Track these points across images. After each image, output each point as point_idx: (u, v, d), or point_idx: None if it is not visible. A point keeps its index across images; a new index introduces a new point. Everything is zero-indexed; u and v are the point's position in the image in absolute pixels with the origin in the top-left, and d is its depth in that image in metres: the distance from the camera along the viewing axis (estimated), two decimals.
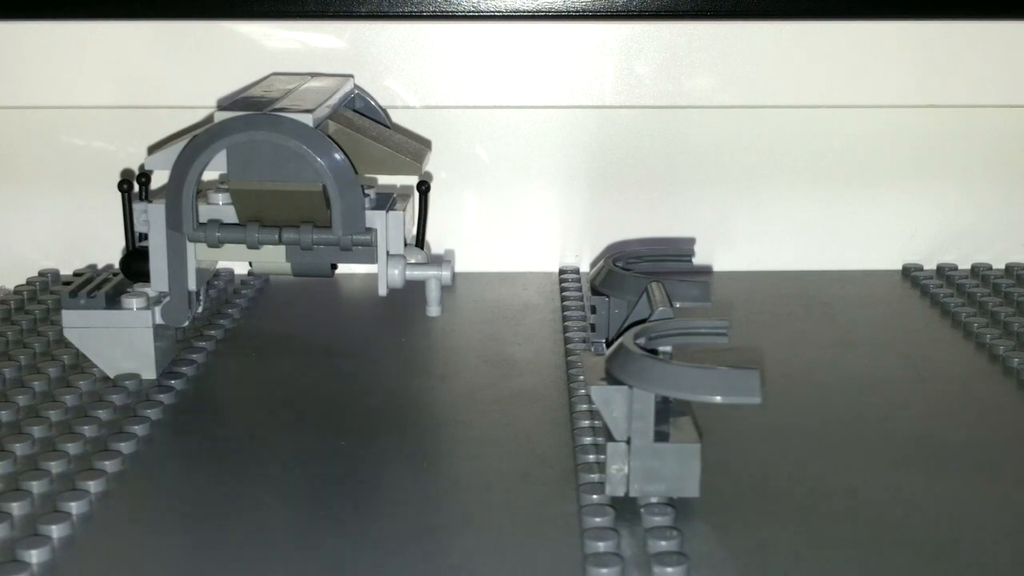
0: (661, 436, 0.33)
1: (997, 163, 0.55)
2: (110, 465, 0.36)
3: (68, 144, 0.54)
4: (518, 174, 0.55)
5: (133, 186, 0.43)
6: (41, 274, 0.52)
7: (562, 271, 0.54)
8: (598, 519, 0.32)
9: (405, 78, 0.53)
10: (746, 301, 0.51)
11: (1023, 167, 0.55)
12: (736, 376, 0.32)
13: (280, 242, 0.42)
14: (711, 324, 0.35)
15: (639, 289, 0.40)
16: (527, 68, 0.53)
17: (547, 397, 0.41)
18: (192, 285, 0.42)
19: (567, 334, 0.46)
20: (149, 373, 0.42)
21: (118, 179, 0.43)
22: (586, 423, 0.38)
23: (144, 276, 0.42)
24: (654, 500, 0.33)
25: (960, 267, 0.54)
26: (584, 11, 0.52)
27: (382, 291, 0.43)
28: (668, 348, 0.35)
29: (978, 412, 0.41)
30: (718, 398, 0.32)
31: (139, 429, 0.38)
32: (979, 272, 0.53)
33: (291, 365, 0.45)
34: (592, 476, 0.34)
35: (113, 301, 0.42)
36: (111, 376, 0.42)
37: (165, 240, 0.42)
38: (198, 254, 0.42)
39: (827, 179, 0.55)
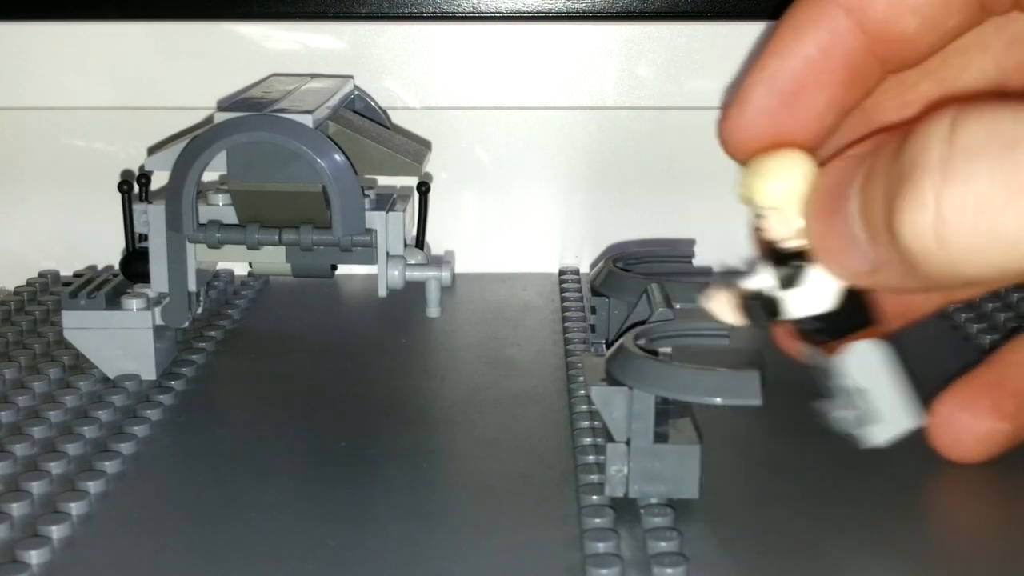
0: (661, 437, 0.33)
1: None
2: (110, 466, 0.36)
3: (68, 145, 0.54)
4: (518, 175, 0.55)
5: (133, 187, 0.43)
6: (41, 275, 0.52)
7: (562, 272, 0.54)
8: (598, 520, 0.32)
9: (405, 79, 0.53)
10: None
11: None
12: (736, 378, 0.32)
13: (280, 243, 0.42)
14: (713, 326, 0.35)
15: (639, 290, 0.39)
16: (527, 69, 0.53)
17: (547, 398, 0.41)
18: (192, 286, 0.42)
19: (567, 335, 0.46)
20: (149, 374, 0.42)
21: (118, 180, 0.43)
22: (586, 424, 0.38)
23: (144, 277, 0.42)
24: (654, 501, 0.33)
25: None
26: (584, 12, 0.52)
27: (382, 292, 0.43)
28: (668, 349, 0.35)
29: None
30: (718, 400, 0.32)
31: (139, 430, 0.38)
32: None
33: (291, 365, 0.45)
34: (592, 477, 0.34)
35: (113, 302, 0.42)
36: (111, 377, 0.42)
37: (165, 241, 0.42)
38: (198, 255, 0.43)
39: None
